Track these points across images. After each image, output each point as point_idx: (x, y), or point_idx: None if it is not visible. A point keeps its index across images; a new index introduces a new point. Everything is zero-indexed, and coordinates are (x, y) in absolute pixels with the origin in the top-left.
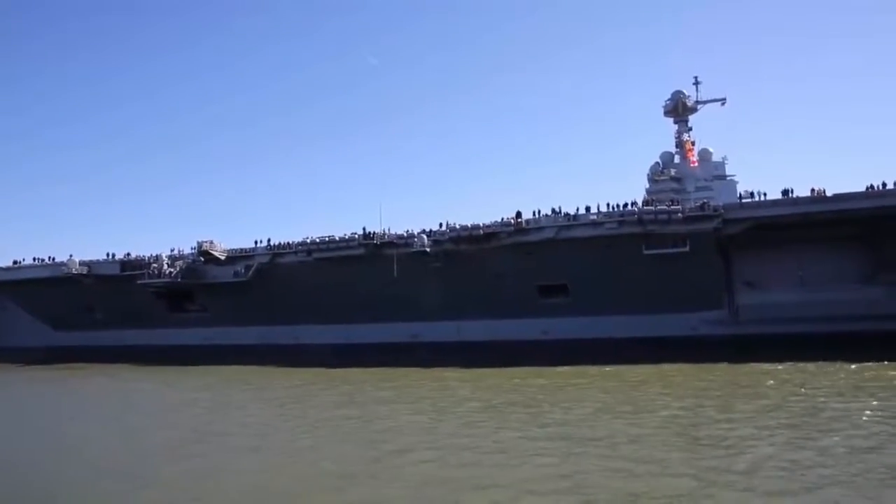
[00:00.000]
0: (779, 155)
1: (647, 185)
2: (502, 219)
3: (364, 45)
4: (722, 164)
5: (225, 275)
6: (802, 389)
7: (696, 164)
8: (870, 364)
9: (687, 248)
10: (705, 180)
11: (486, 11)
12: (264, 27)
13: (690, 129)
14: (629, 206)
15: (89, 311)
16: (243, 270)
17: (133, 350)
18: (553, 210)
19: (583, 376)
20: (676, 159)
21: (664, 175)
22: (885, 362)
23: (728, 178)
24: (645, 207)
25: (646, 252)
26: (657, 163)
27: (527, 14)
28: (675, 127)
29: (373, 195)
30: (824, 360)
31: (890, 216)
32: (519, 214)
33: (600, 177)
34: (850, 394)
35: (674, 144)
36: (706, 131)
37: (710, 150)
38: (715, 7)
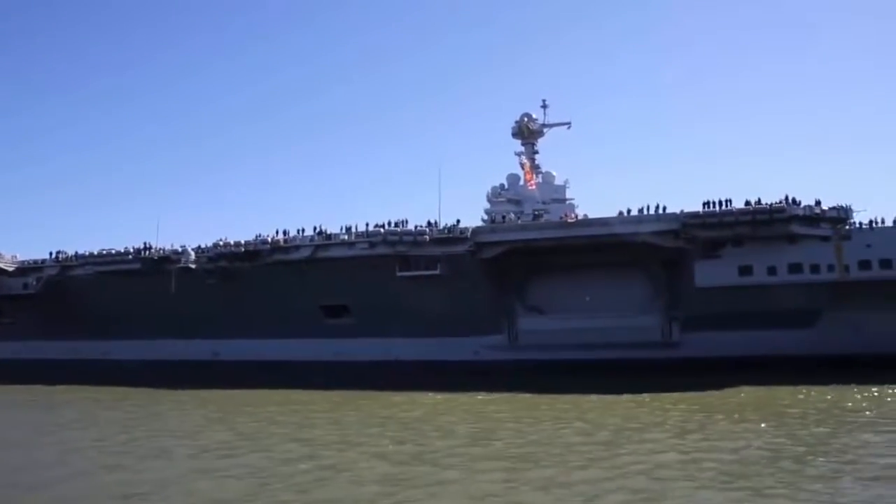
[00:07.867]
0: (633, 179)
1: (487, 206)
2: (257, 236)
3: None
4: (563, 188)
5: (16, 286)
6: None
7: (535, 187)
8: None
9: (437, 271)
10: (543, 203)
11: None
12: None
13: (537, 151)
14: (382, 228)
15: None
16: (35, 282)
17: None
18: (314, 229)
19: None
20: (522, 181)
21: (502, 197)
22: (581, 394)
23: (567, 202)
24: (391, 229)
25: (398, 274)
26: (501, 184)
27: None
28: (523, 149)
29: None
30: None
31: (651, 245)
32: (278, 232)
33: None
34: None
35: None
36: (558, 155)
37: (554, 173)
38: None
